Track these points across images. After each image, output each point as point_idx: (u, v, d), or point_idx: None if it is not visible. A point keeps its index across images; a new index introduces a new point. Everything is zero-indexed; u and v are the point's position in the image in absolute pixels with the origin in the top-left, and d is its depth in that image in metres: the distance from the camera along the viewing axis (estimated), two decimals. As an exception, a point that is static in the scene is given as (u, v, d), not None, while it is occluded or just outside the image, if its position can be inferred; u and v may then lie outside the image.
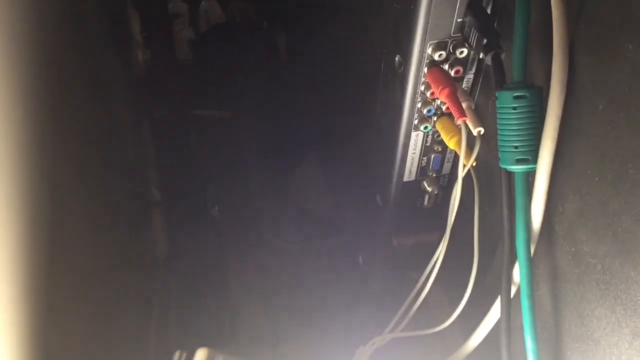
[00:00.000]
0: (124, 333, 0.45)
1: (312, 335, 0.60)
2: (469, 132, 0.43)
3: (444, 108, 0.46)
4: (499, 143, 0.37)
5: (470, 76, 0.45)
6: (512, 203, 0.39)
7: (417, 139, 0.49)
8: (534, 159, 0.35)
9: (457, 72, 0.44)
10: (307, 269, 0.68)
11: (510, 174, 0.38)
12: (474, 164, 0.45)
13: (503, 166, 0.37)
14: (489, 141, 0.44)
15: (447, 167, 0.52)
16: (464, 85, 0.45)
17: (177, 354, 0.39)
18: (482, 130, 0.42)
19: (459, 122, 0.42)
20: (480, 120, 0.43)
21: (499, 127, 0.36)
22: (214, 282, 0.68)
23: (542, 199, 0.36)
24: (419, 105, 0.46)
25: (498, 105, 0.36)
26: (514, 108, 0.35)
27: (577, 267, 0.36)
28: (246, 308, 0.65)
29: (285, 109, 0.84)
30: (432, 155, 0.50)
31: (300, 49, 0.81)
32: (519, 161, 0.35)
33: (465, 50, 0.43)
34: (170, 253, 0.69)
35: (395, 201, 0.53)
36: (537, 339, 0.38)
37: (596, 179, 0.33)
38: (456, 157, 0.51)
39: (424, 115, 0.47)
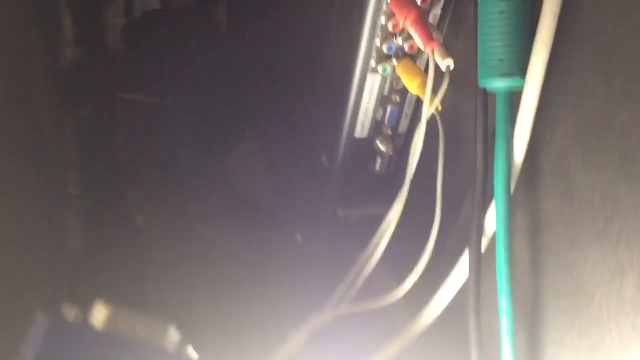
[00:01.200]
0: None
1: (234, 323, 0.52)
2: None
3: (406, 47, 0.41)
4: (479, 58, 0.31)
5: (437, 11, 0.40)
6: (487, 137, 0.33)
7: (373, 84, 0.42)
8: (522, 73, 0.29)
9: (424, 1, 0.38)
10: (240, 259, 0.60)
11: (487, 98, 0.32)
12: (439, 108, 0.39)
13: (483, 85, 0.31)
14: (456, 84, 0.39)
15: (403, 124, 0.46)
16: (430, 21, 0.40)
17: (66, 308, 0.30)
18: (452, 64, 0.36)
19: (427, 49, 0.36)
20: (449, 53, 0.37)
21: (480, 38, 0.31)
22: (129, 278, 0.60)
23: (529, 124, 0.30)
24: (378, 41, 0.40)
25: (481, 11, 0.30)
26: (501, 12, 0.29)
27: (568, 205, 0.30)
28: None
29: (224, 88, 0.77)
30: (389, 107, 0.44)
31: (242, 11, 0.74)
32: (504, 77, 0.30)
33: (436, -26, 0.37)
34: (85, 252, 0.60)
35: (343, 160, 0.46)
36: (513, 299, 0.31)
37: (599, 89, 0.27)
38: (415, 113, 0.45)
39: (383, 53, 0.41)
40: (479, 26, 0.30)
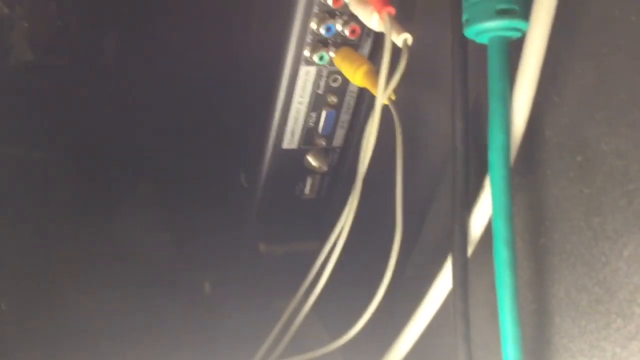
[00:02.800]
0: None
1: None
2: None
3: (347, 32, 0.33)
4: (463, 11, 0.24)
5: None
6: (468, 108, 0.26)
7: (306, 79, 0.35)
8: (524, 9, 0.23)
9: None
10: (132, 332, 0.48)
11: (467, 54, 0.25)
12: (393, 97, 0.31)
13: (470, 33, 0.24)
14: (414, 81, 0.32)
15: (339, 134, 0.38)
16: None
17: None
18: (410, 39, 0.29)
19: (383, 13, 0.29)
20: (403, 27, 0.30)
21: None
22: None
23: (533, 80, 0.23)
24: (314, 23, 0.33)
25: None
26: None
27: (588, 185, 0.22)
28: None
29: (114, 131, 0.66)
30: (324, 111, 0.36)
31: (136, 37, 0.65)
32: (500, 14, 0.23)
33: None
34: None
35: (267, 179, 0.37)
36: (518, 320, 0.23)
37: (633, 18, 0.21)
38: (352, 123, 0.38)
39: (320, 37, 0.33)
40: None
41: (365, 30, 0.34)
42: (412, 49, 0.29)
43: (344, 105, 0.37)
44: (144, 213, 0.58)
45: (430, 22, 0.32)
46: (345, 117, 0.37)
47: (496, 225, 0.23)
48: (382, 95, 0.29)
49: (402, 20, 0.31)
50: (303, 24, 0.32)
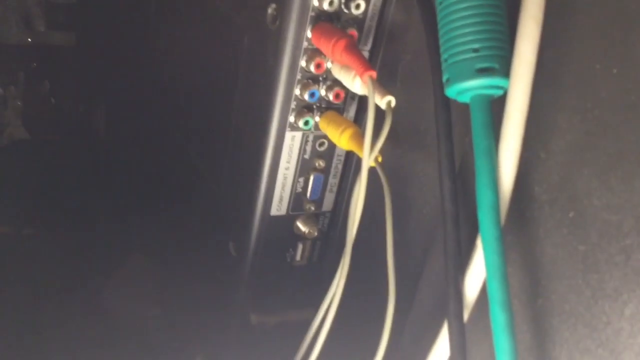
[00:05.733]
0: None
1: None
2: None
3: (331, 96, 0.33)
4: (443, 57, 0.24)
5: (366, 50, 0.34)
6: (454, 166, 0.26)
7: (292, 145, 0.34)
8: (504, 67, 0.23)
9: (355, 46, 0.32)
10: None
11: (450, 113, 0.25)
12: (379, 159, 0.31)
13: (452, 93, 0.24)
14: (401, 142, 0.32)
15: (329, 199, 0.37)
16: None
17: None
18: (393, 101, 0.29)
19: (365, 77, 0.29)
20: (388, 91, 0.30)
21: (442, 28, 0.24)
22: None
23: (518, 137, 0.23)
24: (297, 89, 0.33)
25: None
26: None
27: (583, 241, 0.22)
28: None
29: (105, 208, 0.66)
30: (312, 176, 0.36)
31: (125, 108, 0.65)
32: (481, 73, 0.22)
33: (363, 4, 0.32)
34: None
35: (257, 247, 0.36)
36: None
37: (614, 71, 0.20)
38: (341, 186, 0.37)
39: (305, 102, 0.33)
40: (440, 13, 0.24)
41: (349, 93, 0.34)
42: (398, 111, 0.29)
43: (332, 169, 0.36)
44: (134, 286, 0.57)
45: (413, 82, 0.32)
46: (333, 180, 0.37)
47: (491, 287, 0.22)
48: (368, 158, 0.29)
49: (384, 82, 0.31)
50: (287, 91, 0.32)
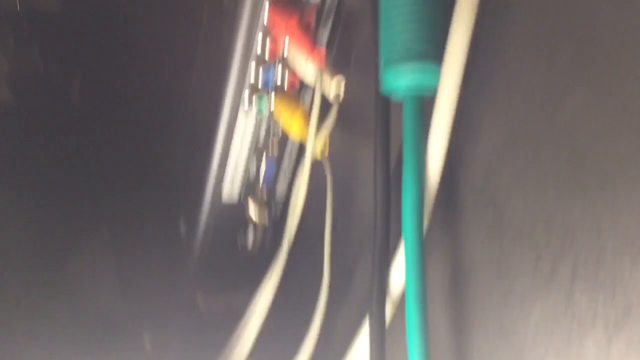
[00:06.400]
0: None
1: None
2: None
3: (286, 83, 0.33)
4: (381, 57, 0.24)
5: (325, 34, 0.33)
6: (389, 162, 0.25)
7: (245, 130, 0.34)
8: (436, 59, 0.22)
9: (307, 25, 0.32)
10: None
11: (389, 111, 0.25)
12: (326, 151, 0.31)
13: (386, 87, 0.24)
14: (349, 118, 0.32)
15: (282, 187, 0.37)
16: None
17: None
18: (343, 82, 0.29)
19: (315, 57, 0.29)
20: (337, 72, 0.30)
21: (383, 27, 0.24)
22: None
23: (445, 136, 0.22)
24: (252, 73, 0.32)
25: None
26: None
27: (499, 243, 0.22)
28: None
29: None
30: (264, 162, 0.36)
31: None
32: (412, 64, 0.22)
33: (322, -10, 0.31)
34: None
35: (206, 230, 0.36)
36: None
37: (538, 77, 0.20)
38: (295, 174, 0.37)
39: (260, 87, 0.33)
40: (382, 16, 0.24)
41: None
42: (350, 100, 0.29)
43: (285, 157, 0.36)
44: (96, 260, 0.57)
45: (366, 70, 0.31)
46: (288, 168, 0.37)
47: (407, 285, 0.22)
48: (312, 148, 0.29)
49: (340, 68, 0.31)
50: (240, 74, 0.32)
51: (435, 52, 0.22)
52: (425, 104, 0.23)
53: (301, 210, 0.30)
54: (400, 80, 0.23)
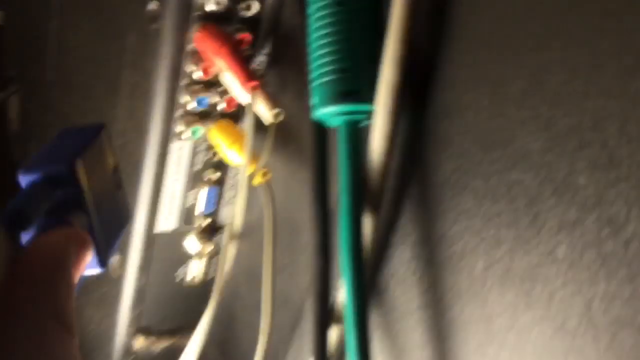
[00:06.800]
0: None
1: None
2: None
3: (223, 103, 0.30)
4: (310, 77, 0.21)
5: (264, 54, 0.30)
6: (325, 202, 0.23)
7: (180, 156, 0.31)
8: (369, 91, 0.20)
9: (242, 38, 0.29)
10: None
11: (326, 140, 0.22)
12: (266, 177, 0.28)
13: (318, 116, 0.21)
14: (289, 144, 0.29)
15: (227, 212, 0.34)
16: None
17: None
18: (281, 114, 0.26)
19: (248, 89, 0.26)
20: (275, 103, 0.27)
21: (311, 48, 0.21)
22: None
23: (379, 172, 0.20)
24: (183, 96, 0.29)
25: (311, 9, 0.21)
26: (339, 3, 0.20)
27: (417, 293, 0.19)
28: None
29: None
30: (204, 188, 0.33)
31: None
32: (345, 97, 0.20)
33: (257, 4, 0.29)
34: None
35: (141, 265, 0.33)
36: None
37: (486, 102, 0.18)
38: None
39: (193, 110, 0.30)
40: (309, 32, 0.21)
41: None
42: (291, 123, 0.27)
43: (229, 180, 0.33)
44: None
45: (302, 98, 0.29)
46: (231, 192, 0.34)
47: (348, 323, 0.20)
48: (246, 174, 0.26)
49: (278, 91, 0.29)
50: (169, 97, 0.29)
51: (369, 87, 0.19)
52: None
53: (237, 241, 0.28)
54: (330, 114, 0.20)
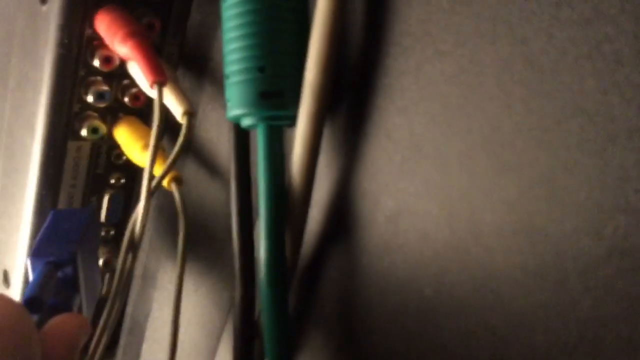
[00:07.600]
0: None
1: None
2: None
3: (127, 98, 0.27)
4: (225, 72, 0.18)
5: (175, 44, 0.27)
6: (250, 206, 0.20)
7: (78, 157, 0.27)
8: (293, 91, 0.17)
9: (150, 24, 0.25)
10: None
11: (243, 138, 0.19)
12: (178, 179, 0.25)
13: (231, 117, 0.18)
14: (204, 145, 0.26)
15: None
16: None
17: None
18: (193, 114, 0.23)
19: (155, 87, 0.23)
20: (188, 99, 0.24)
21: (224, 40, 0.18)
22: None
23: (302, 184, 0.17)
24: (80, 89, 0.26)
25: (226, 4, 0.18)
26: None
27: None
28: None
29: None
30: (107, 195, 0.29)
31: None
32: (265, 98, 0.17)
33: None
34: None
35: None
36: None
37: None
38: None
39: (92, 105, 0.26)
40: (224, 25, 0.18)
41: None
42: (205, 123, 0.23)
43: (136, 185, 0.30)
44: None
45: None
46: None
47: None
48: (148, 182, 0.23)
49: (193, 86, 0.25)
50: (60, 90, 0.25)
51: (294, 86, 0.16)
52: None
53: (137, 252, 0.24)
54: (247, 116, 0.17)
